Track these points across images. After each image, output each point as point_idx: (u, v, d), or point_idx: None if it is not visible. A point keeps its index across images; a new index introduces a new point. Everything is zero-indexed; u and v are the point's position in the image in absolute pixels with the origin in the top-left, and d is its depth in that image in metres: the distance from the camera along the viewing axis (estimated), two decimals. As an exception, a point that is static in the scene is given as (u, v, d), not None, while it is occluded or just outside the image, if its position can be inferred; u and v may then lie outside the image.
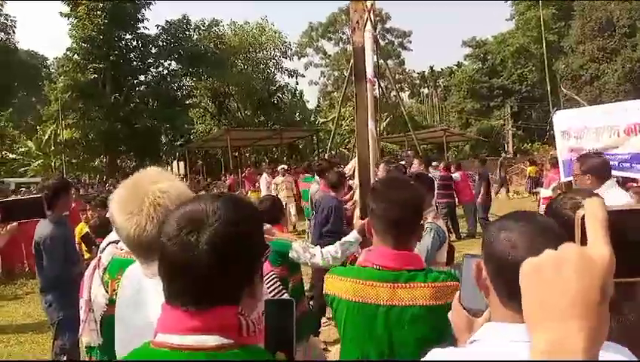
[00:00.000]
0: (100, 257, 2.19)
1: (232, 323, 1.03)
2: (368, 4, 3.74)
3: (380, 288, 1.86)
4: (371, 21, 3.01)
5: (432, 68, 54.83)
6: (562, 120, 6.50)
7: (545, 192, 8.94)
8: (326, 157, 10.26)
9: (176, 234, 1.02)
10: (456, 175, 11.47)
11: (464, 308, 1.31)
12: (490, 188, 12.24)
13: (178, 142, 31.65)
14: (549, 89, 10.21)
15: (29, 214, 2.23)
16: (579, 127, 5.96)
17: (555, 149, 7.33)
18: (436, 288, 1.84)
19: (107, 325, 2.03)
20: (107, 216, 4.08)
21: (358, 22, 2.92)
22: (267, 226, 3.31)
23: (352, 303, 1.90)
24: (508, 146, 40.75)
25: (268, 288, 2.86)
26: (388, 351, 1.87)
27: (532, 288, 0.63)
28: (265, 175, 14.10)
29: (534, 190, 14.31)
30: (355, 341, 1.93)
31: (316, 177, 8.24)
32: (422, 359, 1.19)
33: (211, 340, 1.00)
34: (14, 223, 2.21)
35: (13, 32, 29.89)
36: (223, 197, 1.12)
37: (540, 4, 27.43)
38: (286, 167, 13.41)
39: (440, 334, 1.79)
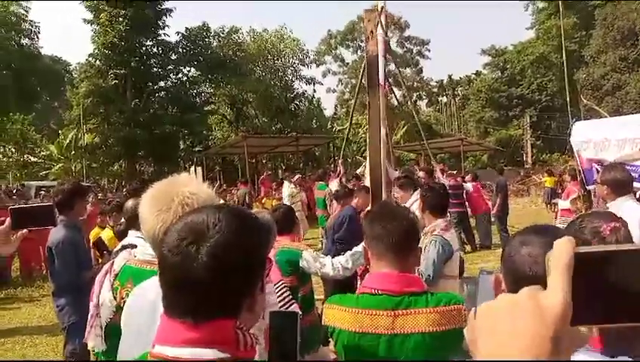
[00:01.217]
0: (112, 262, 2.19)
1: (229, 337, 1.02)
2: (379, 5, 3.73)
3: (380, 317, 1.83)
4: (382, 25, 3.00)
5: (450, 76, 54.64)
6: (582, 131, 6.43)
7: (563, 204, 8.83)
8: (339, 163, 10.19)
9: (177, 244, 1.02)
10: (468, 185, 11.25)
11: None
12: (507, 198, 12.04)
13: (196, 148, 31.87)
14: (568, 99, 10.06)
15: (40, 222, 2.21)
16: (599, 139, 5.88)
17: (574, 160, 7.24)
18: (439, 313, 1.81)
19: (112, 332, 2.03)
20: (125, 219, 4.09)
21: (372, 31, 2.92)
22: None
23: (351, 334, 1.87)
24: (526, 156, 40.33)
25: (277, 297, 2.84)
26: None
27: (487, 333, 0.60)
28: (286, 183, 13.75)
29: (553, 201, 14.09)
30: None
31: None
32: None
33: (208, 354, 0.99)
34: (24, 230, 2.20)
35: (37, 37, 30.52)
36: (226, 208, 1.12)
37: (562, 12, 27.16)
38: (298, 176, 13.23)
39: (445, 356, 1.78)
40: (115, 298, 2.07)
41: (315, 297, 4.15)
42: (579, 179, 7.38)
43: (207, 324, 1.00)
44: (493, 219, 11.76)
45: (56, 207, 2.22)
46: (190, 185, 1.58)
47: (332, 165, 22.66)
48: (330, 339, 2.01)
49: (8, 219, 2.12)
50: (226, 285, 1.01)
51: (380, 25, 2.95)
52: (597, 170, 6.18)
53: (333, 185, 9.42)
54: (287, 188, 12.51)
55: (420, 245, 3.50)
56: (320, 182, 11.92)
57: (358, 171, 9.49)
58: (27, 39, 29.13)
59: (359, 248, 3.16)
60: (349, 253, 3.14)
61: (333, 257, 3.44)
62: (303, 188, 13.14)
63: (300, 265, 3.24)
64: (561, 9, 26.31)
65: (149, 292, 1.58)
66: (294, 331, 1.23)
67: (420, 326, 1.79)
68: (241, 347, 1.02)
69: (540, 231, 1.15)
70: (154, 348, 1.04)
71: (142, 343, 1.44)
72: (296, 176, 13.36)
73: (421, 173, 8.94)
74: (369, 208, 2.31)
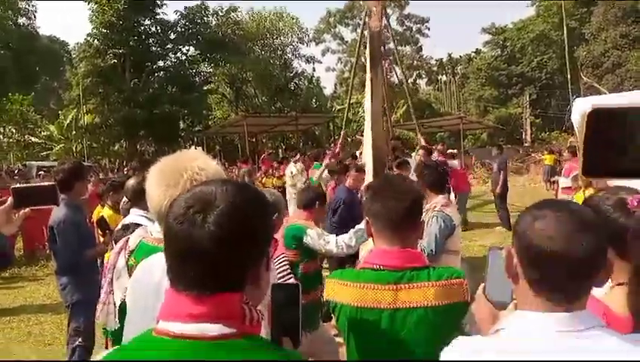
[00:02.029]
0: (127, 239, 2.19)
1: (235, 311, 1.01)
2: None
3: (382, 291, 1.81)
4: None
5: (450, 55, 54.25)
6: (582, 108, 6.42)
7: (564, 181, 8.75)
8: (339, 142, 10.18)
9: (183, 213, 1.01)
10: (454, 162, 10.87)
11: (488, 301, 1.32)
12: (507, 176, 11.94)
13: (196, 128, 31.82)
14: (569, 76, 10.04)
15: (42, 201, 2.16)
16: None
17: (574, 137, 7.23)
18: (441, 287, 1.79)
19: (125, 310, 2.03)
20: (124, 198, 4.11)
21: (375, 7, 2.94)
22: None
23: (353, 308, 1.84)
24: (526, 135, 40.26)
25: (276, 268, 2.88)
26: (393, 356, 1.82)
27: None
28: (292, 163, 13.36)
29: (552, 178, 14.04)
30: (359, 347, 1.88)
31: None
32: (447, 347, 1.18)
33: (214, 329, 0.98)
34: (26, 209, 2.20)
35: (35, 17, 30.25)
36: (233, 181, 1.13)
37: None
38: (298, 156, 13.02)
39: (448, 332, 1.77)
40: (130, 275, 2.04)
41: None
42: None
43: (213, 297, 1.00)
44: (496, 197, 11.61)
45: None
46: (199, 160, 1.56)
47: (331, 144, 22.65)
48: (332, 316, 1.98)
49: (10, 198, 2.13)
50: (232, 255, 1.01)
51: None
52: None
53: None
54: (292, 168, 12.43)
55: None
56: (316, 161, 11.86)
57: (357, 152, 9.47)
58: (25, 18, 28.88)
59: (362, 225, 3.21)
60: (352, 230, 3.19)
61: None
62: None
63: (304, 241, 3.30)
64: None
65: (155, 268, 1.56)
66: (296, 303, 1.24)
67: (423, 299, 1.78)
68: (247, 322, 1.02)
69: (553, 205, 1.15)
70: (158, 324, 1.03)
71: (148, 321, 1.45)
72: (297, 156, 13.29)
73: (420, 152, 8.94)
74: (369, 182, 2.30)
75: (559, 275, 1.08)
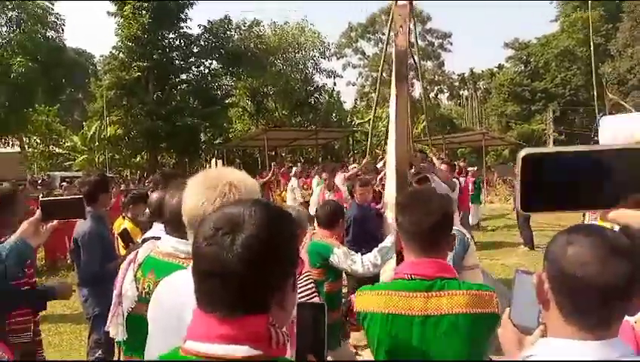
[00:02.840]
0: (136, 252, 2.21)
1: (262, 334, 1.02)
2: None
3: (413, 298, 1.81)
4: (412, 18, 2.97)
5: (472, 70, 54.03)
6: (609, 126, 6.32)
7: None
8: (366, 159, 10.17)
9: (212, 234, 1.02)
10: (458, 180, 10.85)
11: (514, 325, 1.30)
12: None
13: (217, 141, 32.11)
14: (595, 93, 9.90)
15: (70, 214, 2.23)
16: (626, 134, 5.78)
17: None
18: (472, 295, 1.79)
19: (132, 322, 2.05)
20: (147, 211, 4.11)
21: (401, 26, 2.92)
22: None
23: (384, 316, 1.85)
24: (549, 151, 39.73)
25: (300, 287, 2.85)
26: None
27: None
28: (317, 176, 13.37)
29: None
30: (390, 355, 1.87)
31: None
32: None
33: (240, 351, 0.99)
34: (54, 222, 2.23)
35: (62, 30, 30.99)
36: (262, 202, 1.13)
37: (590, 4, 26.60)
38: (299, 168, 13.04)
39: (479, 345, 1.75)
40: (137, 288, 2.07)
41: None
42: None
43: (241, 319, 1.00)
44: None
45: None
46: (238, 174, 1.61)
47: (351, 158, 22.65)
48: (351, 331, 2.01)
49: (38, 211, 2.15)
50: (259, 278, 1.01)
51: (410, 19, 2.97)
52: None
53: (338, 179, 9.38)
54: (292, 182, 12.54)
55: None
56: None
57: (380, 164, 9.44)
58: (53, 32, 29.61)
59: (387, 243, 3.16)
60: (376, 249, 3.15)
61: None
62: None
63: (330, 259, 3.25)
64: (589, 1, 25.74)
65: (181, 288, 1.55)
66: (322, 323, 1.24)
67: (454, 307, 1.77)
68: (274, 344, 1.02)
69: (587, 231, 1.13)
70: (185, 344, 1.04)
71: (170, 340, 1.45)
72: (295, 168, 13.35)
73: (443, 167, 8.84)
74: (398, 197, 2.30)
75: (591, 302, 1.07)
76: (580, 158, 1.04)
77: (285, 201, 12.06)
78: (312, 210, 9.78)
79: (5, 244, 2.17)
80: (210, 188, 1.52)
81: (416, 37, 8.93)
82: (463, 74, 54.43)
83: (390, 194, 4.03)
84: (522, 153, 1.03)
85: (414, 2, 4.66)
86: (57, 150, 32.39)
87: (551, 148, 1.06)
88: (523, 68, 44.90)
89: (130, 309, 2.08)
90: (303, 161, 29.14)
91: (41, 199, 2.24)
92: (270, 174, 13.01)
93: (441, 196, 2.08)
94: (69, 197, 2.37)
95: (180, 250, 1.96)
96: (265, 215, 1.05)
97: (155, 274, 1.99)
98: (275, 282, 1.05)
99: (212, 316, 1.01)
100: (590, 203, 1.06)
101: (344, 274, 3.95)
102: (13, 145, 32.32)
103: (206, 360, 0.99)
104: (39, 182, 21.22)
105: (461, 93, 55.16)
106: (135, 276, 2.09)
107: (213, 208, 1.42)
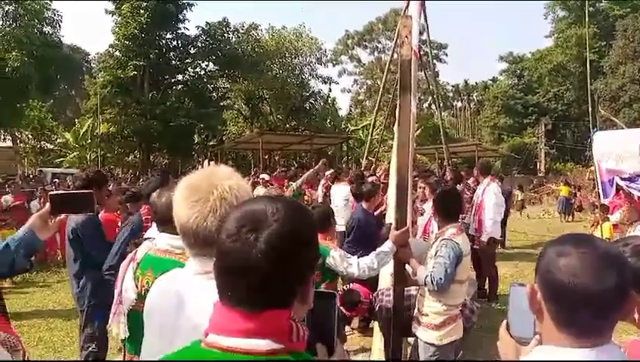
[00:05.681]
0: (136, 251, 2.23)
1: (284, 328, 1.03)
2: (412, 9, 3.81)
3: None
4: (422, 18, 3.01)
5: (466, 81, 54.41)
6: (603, 141, 6.40)
7: (614, 218, 8.58)
8: (363, 165, 10.24)
9: (236, 231, 1.03)
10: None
11: (511, 337, 1.32)
12: (510, 206, 11.77)
13: (210, 142, 32.03)
14: (589, 109, 9.98)
15: (78, 208, 2.24)
16: (620, 150, 5.86)
17: (595, 171, 7.16)
18: None
19: (133, 319, 2.07)
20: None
21: (406, 36, 2.97)
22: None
23: None
24: (540, 165, 40.11)
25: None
26: None
27: None
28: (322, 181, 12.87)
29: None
30: None
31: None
32: None
33: (263, 344, 1.00)
34: (62, 216, 2.24)
35: (60, 26, 30.81)
36: (284, 199, 1.15)
37: (587, 22, 26.87)
38: (267, 177, 12.37)
39: None
40: (137, 286, 2.09)
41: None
42: (597, 190, 7.33)
43: (263, 314, 1.02)
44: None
45: None
46: (231, 180, 1.54)
47: (344, 165, 22.72)
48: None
49: (47, 204, 2.17)
50: (282, 274, 1.03)
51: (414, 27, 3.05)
52: (609, 181, 6.15)
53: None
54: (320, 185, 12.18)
55: (431, 251, 3.51)
56: (334, 182, 11.78)
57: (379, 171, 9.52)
58: (49, 27, 29.41)
59: (384, 248, 3.19)
60: (373, 253, 3.18)
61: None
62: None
63: (327, 262, 3.28)
64: (586, 19, 26.02)
65: (176, 284, 1.58)
66: (332, 311, 1.28)
67: None
68: (294, 338, 1.04)
69: (577, 241, 1.15)
70: (207, 337, 1.05)
71: (167, 338, 1.46)
72: (261, 176, 13.10)
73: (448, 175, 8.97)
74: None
75: (583, 310, 1.09)
76: None
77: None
78: None
79: (14, 236, 2.20)
80: (199, 202, 1.48)
81: (428, 35, 9.09)
82: (457, 85, 54.84)
83: (392, 206, 4.10)
84: None
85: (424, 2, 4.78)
86: (49, 146, 32.14)
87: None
88: (517, 81, 45.33)
89: (130, 307, 2.10)
90: (296, 165, 29.13)
91: (50, 193, 2.25)
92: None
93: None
94: (78, 191, 2.38)
95: (174, 246, 1.98)
96: (287, 212, 1.07)
97: (153, 272, 2.02)
98: (297, 277, 1.07)
99: (235, 311, 1.03)
100: None
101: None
102: (5, 139, 32.03)
103: (229, 354, 1.01)
104: (31, 177, 21.08)
105: (455, 104, 55.51)
106: (135, 274, 2.11)
107: (207, 224, 1.45)
